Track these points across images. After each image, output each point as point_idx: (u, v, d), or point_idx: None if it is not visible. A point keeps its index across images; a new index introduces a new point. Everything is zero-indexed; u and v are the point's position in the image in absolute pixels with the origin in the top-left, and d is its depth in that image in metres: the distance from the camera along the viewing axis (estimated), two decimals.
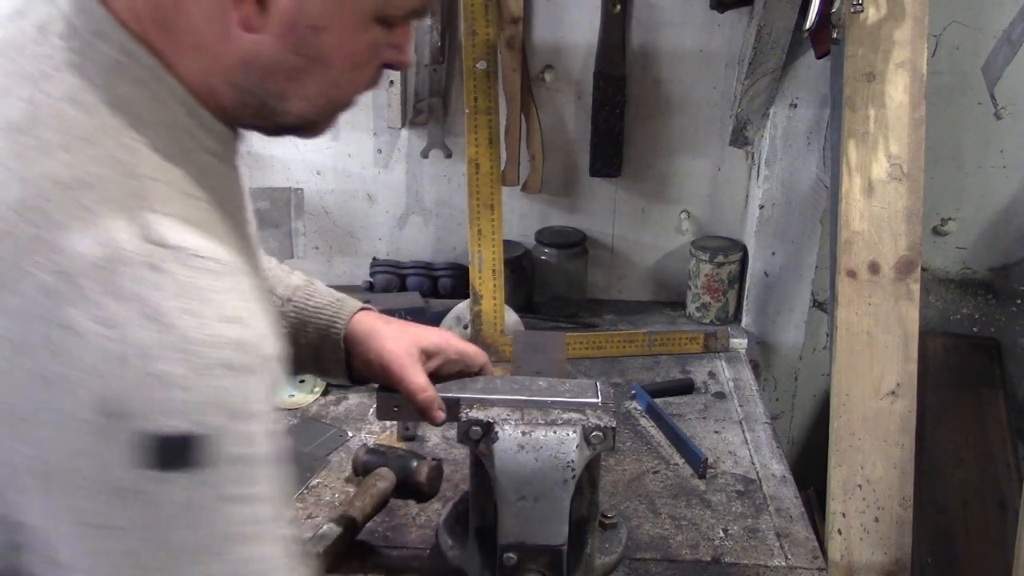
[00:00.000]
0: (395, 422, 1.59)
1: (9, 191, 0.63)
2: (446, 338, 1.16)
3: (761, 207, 1.89)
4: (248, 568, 0.67)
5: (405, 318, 1.76)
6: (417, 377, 1.08)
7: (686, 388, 1.74)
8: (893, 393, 1.53)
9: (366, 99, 1.91)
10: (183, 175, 0.70)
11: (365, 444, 1.47)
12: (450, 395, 1.10)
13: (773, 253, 1.92)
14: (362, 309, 1.12)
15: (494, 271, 1.77)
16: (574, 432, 1.06)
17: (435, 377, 1.12)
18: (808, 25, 1.54)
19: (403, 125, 1.92)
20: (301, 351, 1.10)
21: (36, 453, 0.63)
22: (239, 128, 0.79)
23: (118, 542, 0.64)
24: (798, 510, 1.42)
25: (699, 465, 1.49)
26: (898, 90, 1.54)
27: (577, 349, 1.83)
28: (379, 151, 1.96)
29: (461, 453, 1.49)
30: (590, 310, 2.03)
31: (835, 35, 1.54)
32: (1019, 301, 1.97)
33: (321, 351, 1.10)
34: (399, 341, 1.09)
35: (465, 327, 1.80)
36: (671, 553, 1.32)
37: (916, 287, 1.54)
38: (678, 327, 1.97)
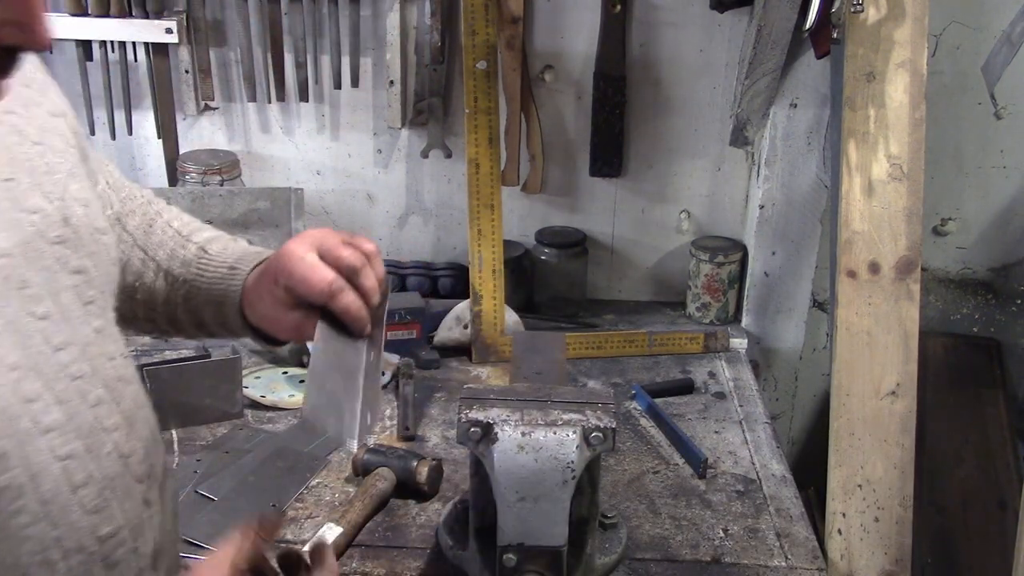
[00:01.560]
0: (394, 421, 1.59)
1: None
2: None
3: (761, 207, 1.89)
4: None
5: (405, 319, 1.78)
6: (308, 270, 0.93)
7: (686, 388, 1.74)
8: (893, 393, 1.53)
9: (366, 99, 1.92)
10: None
11: (365, 444, 1.47)
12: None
13: (773, 253, 1.92)
14: (256, 267, 1.00)
15: (494, 271, 1.77)
16: (574, 433, 1.06)
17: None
18: (808, 25, 1.54)
19: (403, 125, 1.92)
20: (212, 327, 1.04)
21: None
22: None
23: None
24: (798, 510, 1.42)
25: (699, 465, 1.49)
26: (898, 90, 1.54)
27: (577, 349, 1.83)
28: (379, 151, 1.96)
29: (461, 453, 1.49)
30: (590, 310, 2.03)
31: (835, 35, 1.54)
32: (1019, 301, 1.97)
33: (227, 323, 1.03)
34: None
35: (465, 327, 1.80)
36: (671, 553, 1.32)
37: (916, 287, 1.54)
38: (678, 327, 1.97)
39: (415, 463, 1.40)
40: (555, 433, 1.06)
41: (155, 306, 1.03)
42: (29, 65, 0.85)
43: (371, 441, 1.52)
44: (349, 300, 0.91)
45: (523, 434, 1.06)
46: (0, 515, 0.71)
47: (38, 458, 0.73)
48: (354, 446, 0.92)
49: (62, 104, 0.89)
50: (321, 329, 0.93)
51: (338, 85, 1.87)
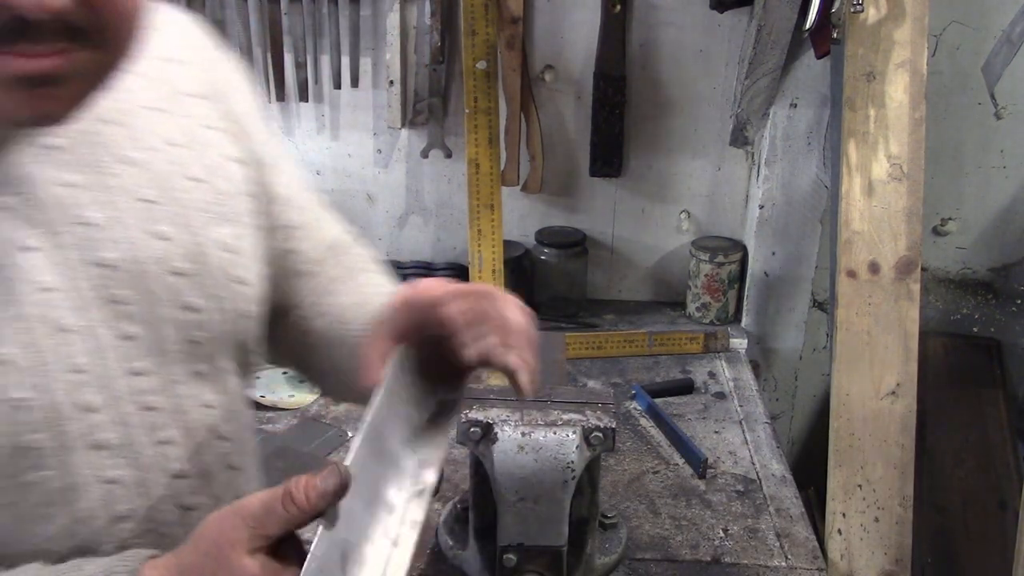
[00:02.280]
0: None
1: None
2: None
3: (761, 207, 1.89)
4: None
5: None
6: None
7: (686, 388, 1.74)
8: (893, 393, 1.53)
9: (366, 99, 1.92)
10: None
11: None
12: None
13: (773, 253, 1.92)
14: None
15: (494, 271, 1.77)
16: (574, 433, 1.06)
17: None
18: (808, 25, 1.54)
19: (403, 125, 1.92)
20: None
21: None
22: None
23: None
24: (798, 510, 1.42)
25: (699, 465, 1.49)
26: (898, 90, 1.54)
27: (577, 349, 1.83)
28: (379, 151, 1.96)
29: (461, 453, 1.49)
30: (590, 310, 2.03)
31: (835, 35, 1.54)
32: (1019, 301, 1.97)
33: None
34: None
35: None
36: (671, 553, 1.32)
37: (916, 287, 1.54)
38: (678, 327, 1.97)
39: None
40: (555, 433, 1.06)
41: (307, 359, 0.95)
42: (229, 111, 0.84)
43: None
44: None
45: (523, 434, 1.06)
46: (25, 518, 0.68)
47: (79, 471, 0.70)
48: None
49: (255, 154, 0.86)
50: (392, 369, 0.68)
51: (338, 85, 1.87)
